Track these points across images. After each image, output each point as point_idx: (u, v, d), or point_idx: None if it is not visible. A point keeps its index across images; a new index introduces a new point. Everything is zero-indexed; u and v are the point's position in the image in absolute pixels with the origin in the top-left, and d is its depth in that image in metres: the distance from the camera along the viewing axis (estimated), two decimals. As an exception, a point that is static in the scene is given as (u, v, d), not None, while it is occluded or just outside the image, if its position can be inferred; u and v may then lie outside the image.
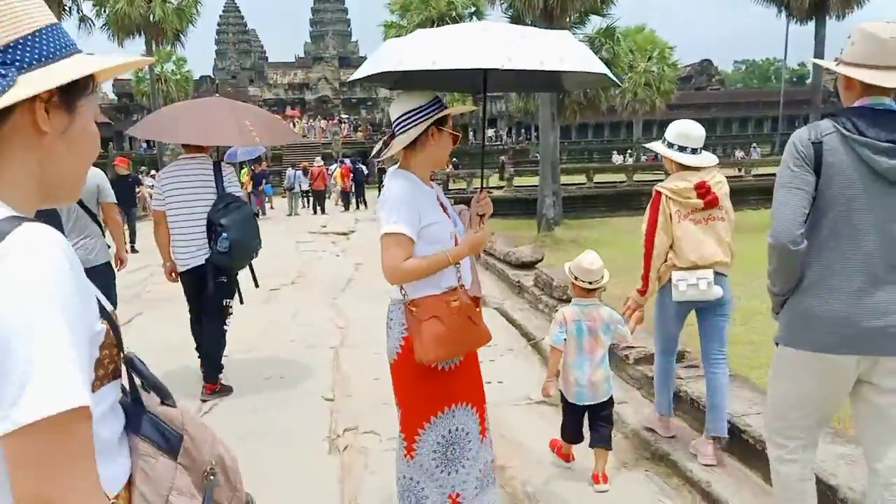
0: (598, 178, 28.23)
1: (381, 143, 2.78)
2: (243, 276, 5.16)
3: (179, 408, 1.21)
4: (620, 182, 27.13)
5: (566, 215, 20.85)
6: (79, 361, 0.89)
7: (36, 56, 0.97)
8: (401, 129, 2.62)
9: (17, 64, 0.95)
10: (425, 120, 2.59)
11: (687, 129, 3.70)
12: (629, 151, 53.96)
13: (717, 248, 3.60)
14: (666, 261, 3.63)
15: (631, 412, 4.39)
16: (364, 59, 2.68)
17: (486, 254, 10.22)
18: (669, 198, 3.61)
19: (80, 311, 0.93)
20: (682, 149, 3.67)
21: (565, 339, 3.59)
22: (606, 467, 3.61)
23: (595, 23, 21.45)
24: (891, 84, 2.22)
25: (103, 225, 4.85)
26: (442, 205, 2.74)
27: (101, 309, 1.04)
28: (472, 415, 2.78)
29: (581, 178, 28.68)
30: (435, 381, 2.68)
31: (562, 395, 3.71)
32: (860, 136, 2.22)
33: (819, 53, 22.42)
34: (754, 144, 56.58)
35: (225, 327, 5.06)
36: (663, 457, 3.81)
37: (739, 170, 28.51)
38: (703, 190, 3.58)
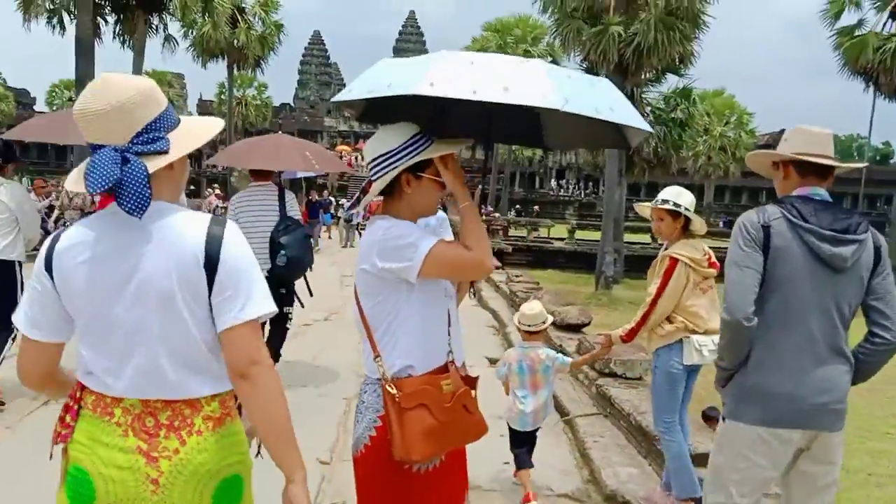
0: (664, 239, 27.26)
1: (359, 191, 2.25)
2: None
3: None
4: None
5: (627, 274, 19.98)
6: None
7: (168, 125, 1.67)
8: (375, 174, 2.13)
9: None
10: (396, 166, 2.09)
11: (685, 194, 3.85)
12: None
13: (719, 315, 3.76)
14: (672, 323, 3.78)
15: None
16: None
17: (530, 310, 9.62)
18: (690, 266, 3.74)
19: None
20: (687, 209, 3.79)
21: (508, 375, 4.11)
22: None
23: (671, 82, 20.91)
24: (829, 163, 2.48)
25: None
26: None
27: None
28: None
29: (646, 238, 27.76)
30: (409, 485, 2.11)
31: (508, 424, 4.14)
32: (805, 223, 2.39)
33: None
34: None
35: (287, 327, 6.00)
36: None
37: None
38: (709, 259, 3.82)
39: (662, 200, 3.83)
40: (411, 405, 2.01)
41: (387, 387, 2.04)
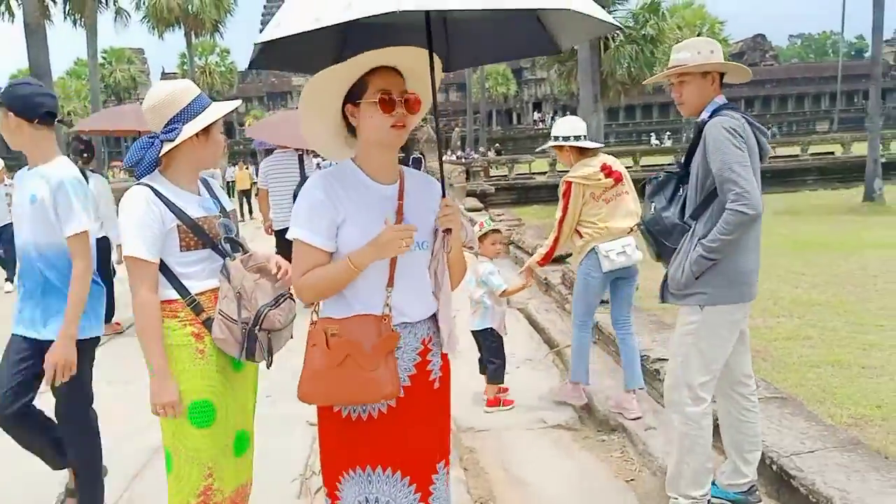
0: (645, 160, 27.16)
1: None
2: None
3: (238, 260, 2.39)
4: (668, 164, 26.02)
5: (610, 200, 19.85)
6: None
7: (190, 115, 2.32)
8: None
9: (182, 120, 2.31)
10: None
11: (574, 122, 4.28)
12: (669, 133, 52.30)
13: (629, 219, 4.13)
14: (582, 237, 4.14)
15: (660, 443, 3.71)
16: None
17: (515, 247, 9.56)
18: (581, 184, 4.07)
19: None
20: (576, 138, 4.15)
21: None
22: None
23: (638, -3, 20.47)
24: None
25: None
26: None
27: (182, 217, 2.32)
28: (404, 489, 2.02)
29: (628, 161, 27.62)
30: (338, 427, 2.02)
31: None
32: (756, 123, 2.79)
33: (878, 24, 20.91)
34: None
35: None
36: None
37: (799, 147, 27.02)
38: (607, 171, 4.10)
39: (553, 138, 4.23)
40: (310, 343, 1.98)
41: (310, 326, 2.01)
